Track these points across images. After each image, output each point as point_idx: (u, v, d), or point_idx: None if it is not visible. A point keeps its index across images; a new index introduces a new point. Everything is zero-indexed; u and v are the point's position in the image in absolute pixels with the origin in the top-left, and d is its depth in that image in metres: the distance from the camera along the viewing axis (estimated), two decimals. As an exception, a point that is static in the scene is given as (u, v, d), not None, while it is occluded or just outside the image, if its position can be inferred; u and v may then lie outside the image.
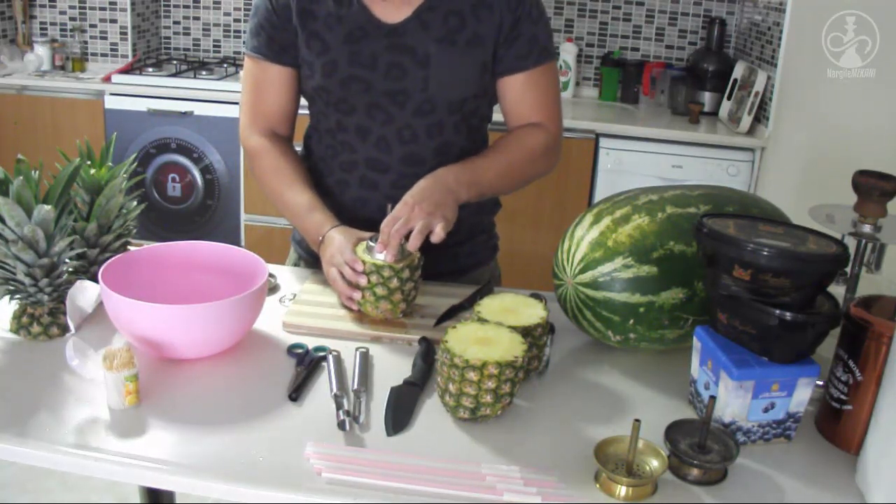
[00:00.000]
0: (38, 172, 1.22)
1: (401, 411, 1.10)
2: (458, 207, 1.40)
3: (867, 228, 1.26)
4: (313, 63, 1.48)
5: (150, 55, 3.94)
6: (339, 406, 1.08)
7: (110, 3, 3.78)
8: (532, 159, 1.52)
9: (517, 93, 1.51)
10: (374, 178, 1.51)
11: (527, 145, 1.51)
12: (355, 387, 1.15)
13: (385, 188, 1.51)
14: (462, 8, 1.44)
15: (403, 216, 1.33)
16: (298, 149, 1.62)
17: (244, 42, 1.81)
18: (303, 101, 1.60)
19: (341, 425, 1.06)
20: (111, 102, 3.43)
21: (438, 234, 1.33)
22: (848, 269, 1.27)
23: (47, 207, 1.17)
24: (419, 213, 1.34)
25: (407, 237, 1.33)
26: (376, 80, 1.45)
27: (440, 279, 1.52)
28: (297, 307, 1.37)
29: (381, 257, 1.31)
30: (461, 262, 1.61)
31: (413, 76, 1.44)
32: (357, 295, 1.33)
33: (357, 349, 1.25)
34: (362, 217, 1.51)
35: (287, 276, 1.53)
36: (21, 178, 1.17)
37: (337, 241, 1.37)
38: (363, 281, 1.32)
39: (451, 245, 1.55)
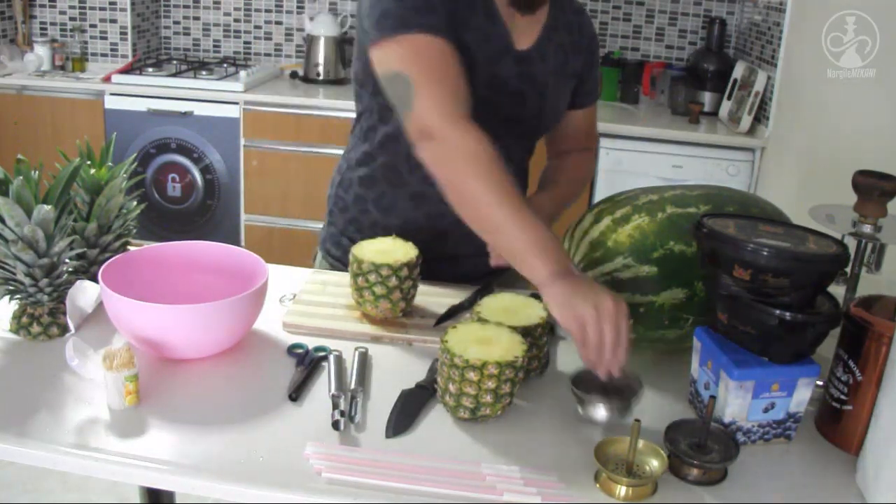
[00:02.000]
0: (38, 172, 1.22)
1: (404, 415, 1.10)
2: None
3: (867, 228, 1.26)
4: None
5: (150, 55, 3.94)
6: (335, 406, 1.08)
7: (110, 3, 3.78)
8: (584, 186, 1.64)
9: (576, 125, 1.60)
10: None
11: (580, 177, 1.62)
12: (353, 387, 1.15)
13: None
14: (565, 43, 1.48)
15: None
16: (333, 151, 1.56)
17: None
18: (342, 105, 1.55)
19: (335, 425, 1.06)
20: (111, 102, 3.43)
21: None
22: (848, 269, 1.27)
23: (47, 207, 1.17)
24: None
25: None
26: (501, 105, 1.43)
27: (459, 286, 1.49)
28: (297, 307, 1.37)
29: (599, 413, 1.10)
30: (481, 269, 1.48)
31: (531, 105, 1.46)
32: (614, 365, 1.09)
33: (356, 349, 1.25)
34: (436, 229, 1.46)
35: (287, 276, 1.52)
36: (21, 178, 1.17)
37: (604, 293, 1.08)
38: (622, 354, 1.07)
39: (471, 255, 1.48)
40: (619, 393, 1.09)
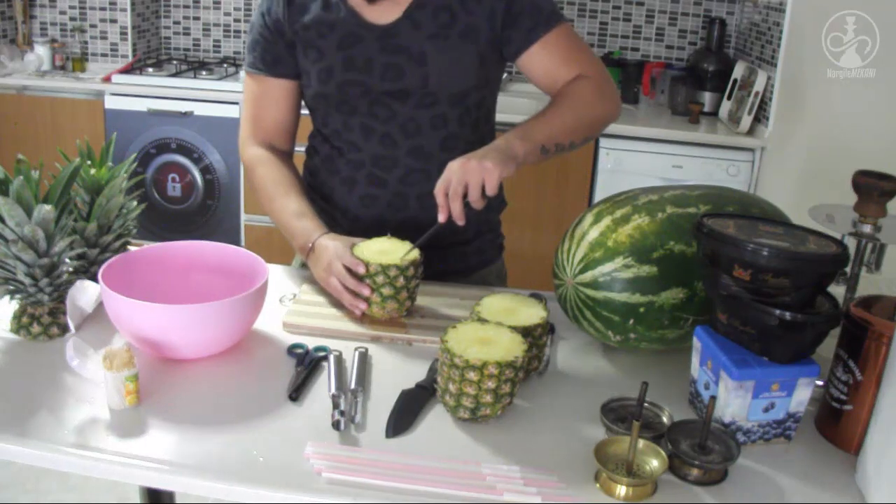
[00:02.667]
0: (38, 172, 1.22)
1: (404, 415, 1.10)
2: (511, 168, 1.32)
3: (867, 228, 1.26)
4: (310, 71, 1.49)
5: (150, 55, 3.94)
6: (335, 406, 1.08)
7: (110, 3, 3.78)
8: (585, 102, 1.46)
9: (541, 62, 1.48)
10: (382, 176, 1.51)
11: (571, 92, 1.47)
12: (353, 387, 1.15)
13: (393, 184, 1.51)
14: (450, 3, 1.44)
15: (446, 180, 1.29)
16: (301, 149, 1.62)
17: (247, 34, 1.82)
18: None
19: (336, 425, 1.06)
20: (111, 102, 3.43)
21: (490, 188, 1.27)
22: (848, 269, 1.27)
23: (47, 207, 1.17)
24: (462, 171, 1.28)
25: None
26: (373, 83, 1.46)
27: (448, 278, 1.53)
28: (297, 307, 1.37)
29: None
30: (469, 260, 1.62)
31: (411, 75, 1.45)
32: (363, 303, 1.32)
33: (356, 349, 1.25)
34: (370, 215, 1.51)
35: (287, 276, 1.53)
36: (21, 178, 1.17)
37: (332, 248, 1.36)
38: (366, 291, 1.31)
39: (458, 244, 1.58)
40: (649, 425, 1.08)
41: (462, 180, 1.28)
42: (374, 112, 1.48)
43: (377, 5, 1.43)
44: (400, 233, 1.39)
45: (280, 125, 1.57)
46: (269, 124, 1.56)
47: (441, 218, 1.30)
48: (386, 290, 1.31)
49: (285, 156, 1.58)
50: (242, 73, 1.61)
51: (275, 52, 1.51)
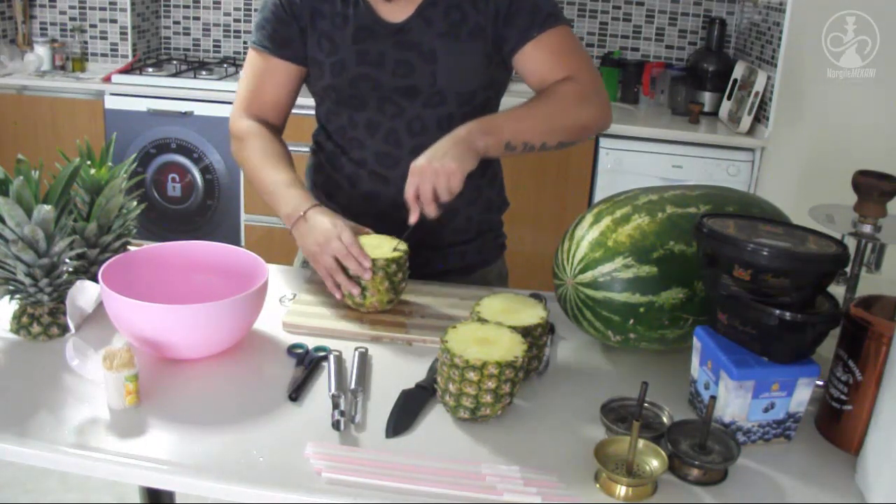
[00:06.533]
0: (38, 172, 1.22)
1: (404, 415, 1.10)
2: (471, 177, 1.34)
3: (867, 228, 1.26)
4: (323, 63, 1.49)
5: (150, 55, 3.94)
6: (335, 406, 1.08)
7: (110, 3, 3.78)
8: (561, 104, 1.43)
9: (534, 61, 1.47)
10: (384, 174, 1.52)
11: (552, 92, 1.44)
12: (353, 387, 1.15)
13: (396, 181, 1.50)
14: (461, 1, 1.45)
15: (414, 184, 1.32)
16: (304, 149, 1.62)
17: (247, 34, 1.81)
18: (308, 102, 1.60)
19: (336, 425, 1.06)
20: (111, 102, 3.43)
21: (455, 188, 1.31)
22: (848, 269, 1.27)
23: (47, 207, 1.17)
24: (429, 174, 1.31)
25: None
26: (384, 78, 1.47)
27: (448, 278, 1.53)
28: (297, 307, 1.37)
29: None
30: (469, 259, 1.62)
31: (421, 72, 1.45)
32: (355, 288, 1.33)
33: (356, 349, 1.25)
34: (374, 212, 1.51)
35: (287, 276, 1.53)
36: (21, 178, 1.17)
37: (328, 225, 1.35)
38: (368, 276, 1.31)
39: (458, 243, 1.58)
40: (649, 425, 1.08)
41: (430, 184, 1.31)
42: (382, 108, 1.49)
43: (393, 3, 1.44)
44: (402, 231, 1.39)
45: (277, 103, 1.56)
46: (267, 101, 1.56)
47: (412, 220, 1.34)
48: (384, 285, 1.32)
49: (277, 131, 1.58)
50: (242, 73, 1.59)
51: (285, 33, 1.50)
